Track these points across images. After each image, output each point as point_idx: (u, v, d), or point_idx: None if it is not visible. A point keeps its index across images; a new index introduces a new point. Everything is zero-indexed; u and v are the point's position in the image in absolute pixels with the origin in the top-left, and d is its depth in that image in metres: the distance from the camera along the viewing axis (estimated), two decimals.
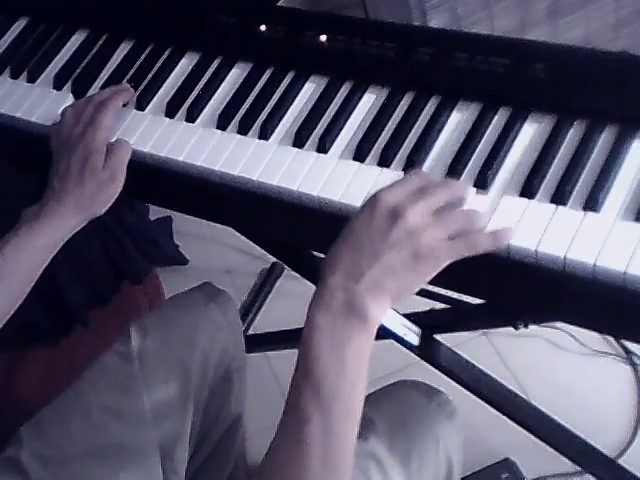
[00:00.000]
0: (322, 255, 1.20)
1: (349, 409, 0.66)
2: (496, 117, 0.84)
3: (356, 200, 0.81)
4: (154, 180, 0.93)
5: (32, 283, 0.88)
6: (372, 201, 0.71)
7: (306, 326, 0.68)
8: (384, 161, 0.84)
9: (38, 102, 1.00)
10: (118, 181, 0.89)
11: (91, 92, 1.00)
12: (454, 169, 0.81)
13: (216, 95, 0.95)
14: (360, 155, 0.85)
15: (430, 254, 0.69)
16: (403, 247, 0.69)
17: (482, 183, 0.80)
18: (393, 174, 0.83)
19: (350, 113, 0.89)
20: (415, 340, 1.18)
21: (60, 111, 0.95)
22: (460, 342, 1.47)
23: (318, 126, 0.89)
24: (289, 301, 1.77)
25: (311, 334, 0.68)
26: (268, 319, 1.76)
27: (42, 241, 0.87)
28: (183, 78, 0.98)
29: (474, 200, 0.78)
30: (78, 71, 1.02)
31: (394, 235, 0.69)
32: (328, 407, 0.65)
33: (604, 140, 0.79)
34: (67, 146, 0.90)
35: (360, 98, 0.90)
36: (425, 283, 0.70)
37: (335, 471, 0.65)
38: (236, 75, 0.96)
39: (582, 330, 0.77)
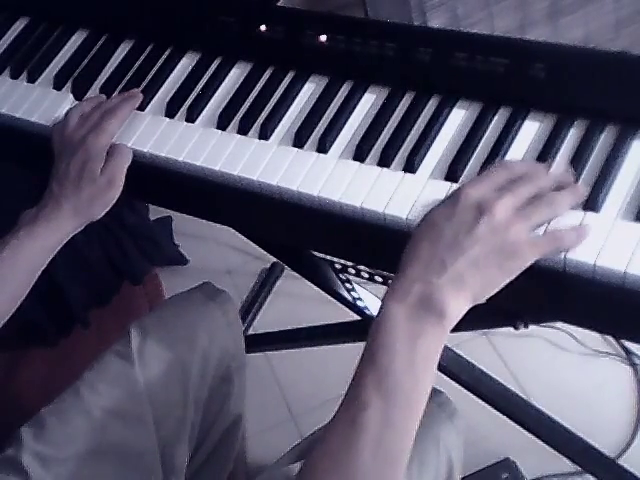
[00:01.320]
0: (322, 255, 1.20)
1: (411, 404, 0.65)
2: (496, 117, 0.84)
3: (356, 200, 0.82)
4: (154, 180, 0.93)
5: (30, 285, 0.88)
6: (456, 195, 0.70)
7: (379, 315, 0.67)
8: (384, 161, 0.84)
9: (38, 102, 1.00)
10: (116, 186, 0.89)
11: (91, 92, 1.00)
12: (454, 169, 0.81)
13: (216, 95, 0.95)
14: (360, 155, 0.85)
15: (517, 250, 0.68)
16: (489, 242, 0.67)
17: None
18: (393, 174, 0.83)
19: (350, 113, 0.89)
20: None
21: (65, 111, 0.95)
22: (460, 342, 1.47)
23: (318, 126, 0.89)
24: (289, 301, 1.77)
25: (383, 324, 0.66)
26: (268, 319, 1.76)
27: (40, 244, 0.87)
28: (183, 78, 0.98)
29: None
30: (78, 71, 1.02)
31: (480, 230, 0.67)
32: (390, 398, 0.64)
33: (604, 140, 0.79)
34: (68, 148, 0.90)
35: (360, 98, 0.90)
36: (510, 280, 0.68)
37: (386, 463, 0.64)
38: (236, 75, 0.96)
39: (582, 330, 0.77)
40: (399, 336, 0.65)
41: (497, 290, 0.68)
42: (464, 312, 0.68)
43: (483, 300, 0.69)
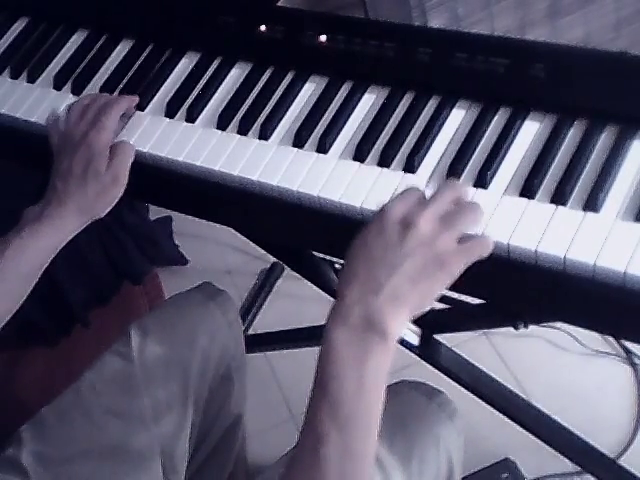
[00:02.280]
0: (322, 255, 1.20)
1: (367, 428, 0.65)
2: (496, 117, 0.84)
3: (356, 200, 0.82)
4: (154, 180, 0.93)
5: (33, 284, 0.88)
6: (381, 214, 0.71)
7: (323, 342, 0.67)
8: (384, 161, 0.84)
9: (38, 102, 1.00)
10: (121, 184, 0.89)
11: (91, 92, 0.99)
12: (454, 169, 0.81)
13: (216, 95, 0.95)
14: (360, 155, 0.85)
15: (446, 259, 0.68)
16: (418, 255, 0.68)
17: (482, 183, 0.80)
18: (393, 174, 0.83)
19: (350, 113, 0.89)
20: (415, 340, 1.18)
21: (62, 109, 0.95)
22: (460, 342, 1.47)
23: (318, 126, 0.89)
24: (289, 301, 1.77)
25: (329, 351, 0.66)
26: (268, 319, 1.76)
27: (44, 243, 0.87)
28: (183, 78, 0.98)
29: (474, 200, 0.78)
30: (78, 71, 1.02)
31: (408, 244, 0.68)
32: (346, 427, 0.64)
33: (604, 140, 0.79)
34: (69, 146, 0.90)
35: (360, 98, 0.90)
36: (444, 290, 0.69)
37: None
38: (236, 75, 0.96)
39: (582, 330, 0.77)
40: (346, 362, 0.66)
41: (434, 300, 0.69)
42: (404, 326, 0.69)
43: (423, 311, 0.69)
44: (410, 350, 1.19)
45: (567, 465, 1.36)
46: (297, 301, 1.74)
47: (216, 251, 1.87)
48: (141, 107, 0.96)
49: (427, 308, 0.69)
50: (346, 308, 0.67)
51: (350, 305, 0.67)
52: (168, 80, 0.98)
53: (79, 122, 0.91)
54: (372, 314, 0.67)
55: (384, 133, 0.86)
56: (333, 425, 0.64)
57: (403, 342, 1.17)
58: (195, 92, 0.95)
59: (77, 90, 1.00)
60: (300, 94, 0.92)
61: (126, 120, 0.94)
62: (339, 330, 0.67)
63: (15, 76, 1.05)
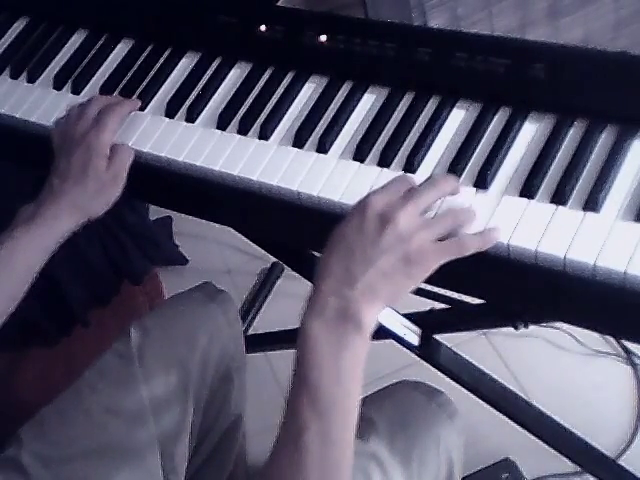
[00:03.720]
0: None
1: (346, 415, 0.67)
2: (496, 117, 0.84)
3: (356, 200, 0.81)
4: (154, 180, 0.93)
5: (29, 283, 0.88)
6: (361, 206, 0.72)
7: (300, 334, 0.69)
8: (384, 161, 0.84)
9: (38, 102, 1.00)
10: (120, 183, 0.89)
11: (91, 92, 1.00)
12: (454, 169, 0.81)
13: (216, 95, 0.95)
14: (360, 155, 0.85)
15: (421, 257, 0.70)
16: (394, 252, 0.69)
17: (482, 183, 0.80)
18: (393, 174, 0.83)
19: (350, 113, 0.89)
20: (415, 340, 1.18)
21: (58, 109, 0.95)
22: (460, 342, 1.47)
23: (318, 126, 0.89)
24: (289, 301, 1.77)
25: (306, 342, 0.68)
26: (268, 319, 1.76)
27: (37, 242, 0.87)
28: (183, 78, 0.98)
29: (474, 200, 0.78)
30: (78, 71, 1.02)
31: (385, 240, 0.69)
32: (325, 415, 0.66)
33: (604, 140, 0.79)
34: (69, 145, 0.90)
35: (360, 98, 0.90)
36: (418, 285, 0.71)
37: (333, 475, 0.66)
38: (236, 75, 0.96)
39: (582, 330, 0.77)
40: (323, 351, 0.67)
41: (408, 293, 0.71)
42: (377, 317, 0.70)
43: (395, 303, 0.71)
44: (410, 350, 1.19)
45: (567, 465, 1.36)
46: (297, 301, 1.72)
47: (216, 251, 1.87)
48: (141, 107, 0.96)
49: (401, 299, 0.71)
50: (323, 299, 0.69)
51: (326, 296, 0.69)
52: (168, 80, 0.98)
53: (80, 122, 0.91)
54: (347, 306, 0.68)
55: (384, 133, 0.86)
56: (313, 414, 0.65)
57: (403, 342, 1.18)
58: (195, 92, 0.96)
59: (77, 90, 1.00)
60: (300, 94, 0.92)
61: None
62: (316, 322, 0.68)
63: (15, 76, 1.05)
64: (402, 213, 0.70)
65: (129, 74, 1.00)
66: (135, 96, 0.97)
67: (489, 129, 0.83)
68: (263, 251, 1.24)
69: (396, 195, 0.72)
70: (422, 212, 0.72)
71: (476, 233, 0.75)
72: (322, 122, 0.89)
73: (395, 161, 0.84)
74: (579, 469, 1.39)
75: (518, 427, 1.22)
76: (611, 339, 1.57)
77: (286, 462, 0.66)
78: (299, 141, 0.88)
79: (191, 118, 0.93)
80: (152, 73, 0.99)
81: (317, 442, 0.65)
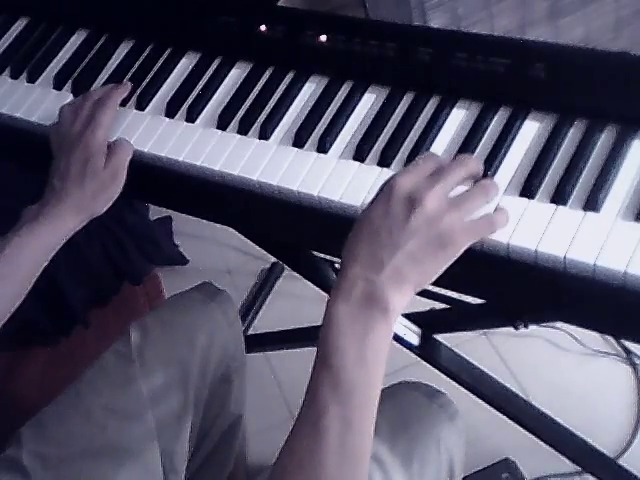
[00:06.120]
0: (322, 255, 1.20)
1: (367, 401, 0.66)
2: (496, 117, 0.84)
3: (356, 200, 0.81)
4: (154, 180, 0.93)
5: (31, 283, 0.88)
6: (387, 189, 0.70)
7: (325, 317, 0.67)
8: (384, 161, 0.84)
9: (38, 102, 1.00)
10: (119, 181, 0.89)
11: None
12: None
13: (216, 95, 0.95)
14: (360, 155, 0.85)
15: (451, 239, 0.68)
16: (423, 234, 0.68)
17: None
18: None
19: (350, 113, 0.89)
20: (415, 340, 1.19)
21: (58, 109, 0.95)
22: (460, 342, 1.47)
23: (318, 126, 0.89)
24: (289, 301, 1.77)
25: (330, 325, 0.67)
26: (268, 319, 1.76)
27: (42, 241, 0.87)
28: (183, 78, 0.98)
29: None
30: (78, 71, 1.02)
31: (413, 223, 0.68)
32: (346, 399, 0.64)
33: (604, 140, 0.79)
34: (66, 145, 0.90)
35: (360, 98, 0.89)
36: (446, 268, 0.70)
37: (351, 463, 0.64)
38: (236, 75, 0.96)
39: (582, 330, 0.77)
40: (348, 336, 0.66)
41: (437, 277, 0.70)
42: (407, 302, 0.69)
43: (425, 287, 0.70)
44: (410, 350, 1.20)
45: (567, 465, 1.36)
46: (297, 301, 1.74)
47: (216, 251, 1.88)
48: (141, 107, 0.96)
49: (430, 282, 0.70)
50: (349, 284, 0.68)
51: (353, 281, 0.68)
52: (168, 80, 0.98)
53: (74, 121, 0.91)
54: (374, 291, 0.67)
55: (384, 133, 0.86)
56: (334, 397, 0.64)
57: (403, 342, 1.18)
58: (195, 92, 0.95)
59: (77, 90, 1.00)
60: (300, 94, 0.92)
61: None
62: (341, 305, 0.67)
63: (15, 76, 1.05)
64: (430, 194, 0.68)
65: (129, 74, 1.00)
66: (135, 96, 0.97)
67: (489, 129, 0.83)
68: (263, 251, 1.24)
69: (422, 175, 0.71)
70: (448, 194, 0.70)
71: (496, 210, 0.74)
72: (322, 122, 0.89)
73: (395, 161, 0.84)
74: (579, 469, 1.40)
75: (518, 427, 1.22)
76: (611, 339, 1.57)
77: (304, 445, 0.65)
78: (299, 141, 0.88)
79: (191, 118, 0.93)
80: (152, 73, 0.99)
81: (336, 426, 0.63)
